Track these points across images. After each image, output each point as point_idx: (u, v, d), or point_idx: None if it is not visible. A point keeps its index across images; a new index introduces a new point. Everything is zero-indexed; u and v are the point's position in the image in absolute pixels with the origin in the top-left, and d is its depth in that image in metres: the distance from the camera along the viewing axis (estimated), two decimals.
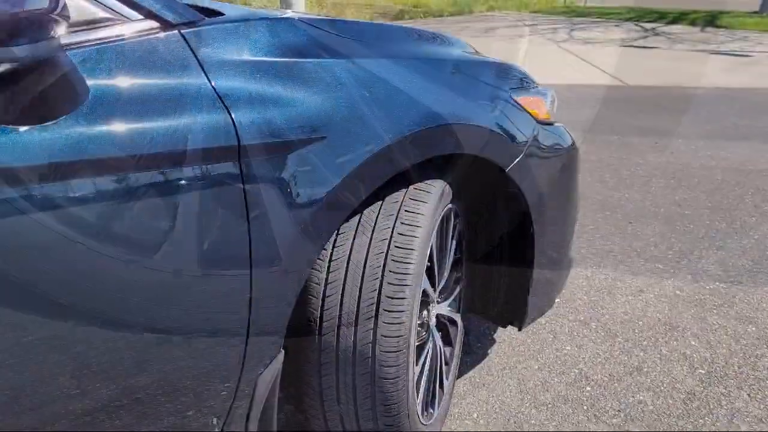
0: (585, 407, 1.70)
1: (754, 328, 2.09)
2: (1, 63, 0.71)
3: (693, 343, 2.01)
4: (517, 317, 1.72)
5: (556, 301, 2.13)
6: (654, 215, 3.05)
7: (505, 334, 2.03)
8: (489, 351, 1.95)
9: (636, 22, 13.03)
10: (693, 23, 12.86)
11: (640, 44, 9.84)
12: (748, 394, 1.76)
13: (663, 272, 2.47)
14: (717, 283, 2.39)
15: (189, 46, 1.00)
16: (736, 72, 7.47)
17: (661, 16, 14.16)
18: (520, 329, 1.72)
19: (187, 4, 1.08)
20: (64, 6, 0.80)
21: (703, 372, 1.86)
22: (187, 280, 0.98)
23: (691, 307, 2.22)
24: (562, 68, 7.17)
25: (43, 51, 0.76)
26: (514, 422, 1.64)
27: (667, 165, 3.86)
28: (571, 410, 1.68)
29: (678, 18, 13.73)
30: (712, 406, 1.71)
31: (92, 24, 0.92)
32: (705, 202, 3.24)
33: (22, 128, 0.80)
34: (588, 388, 1.78)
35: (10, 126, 0.79)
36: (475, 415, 1.66)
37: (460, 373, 1.81)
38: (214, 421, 1.11)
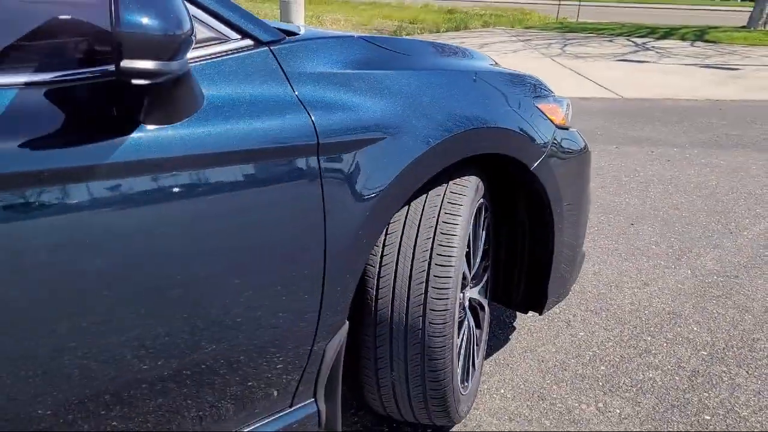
0: (600, 383, 1.88)
1: (750, 316, 2.29)
2: (165, 76, 0.89)
3: (695, 328, 2.20)
4: (538, 304, 1.90)
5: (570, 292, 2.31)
6: (654, 217, 3.25)
7: (523, 323, 2.22)
8: (510, 336, 2.13)
9: (627, 37, 13.35)
10: (683, 38, 13.19)
11: (632, 58, 10.12)
12: (747, 372, 1.95)
13: (665, 268, 2.67)
14: (715, 277, 2.58)
15: (276, 60, 1.19)
16: (726, 85, 7.73)
17: (652, 32, 14.50)
18: (540, 314, 1.90)
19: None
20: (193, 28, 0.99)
21: (705, 353, 2.05)
22: (276, 259, 1.16)
23: (692, 298, 2.41)
24: (558, 81, 7.40)
25: (185, 65, 0.95)
26: (538, 396, 1.82)
27: (664, 172, 4.07)
28: (588, 386, 1.87)
29: (668, 33, 14.07)
30: (714, 382, 1.89)
31: (203, 42, 1.11)
32: (701, 205, 3.45)
33: (155, 127, 0.98)
34: (602, 368, 1.96)
35: (149, 125, 0.98)
36: (502, 391, 1.84)
37: (486, 355, 1.99)
38: (275, 394, 1.28)
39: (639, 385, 1.87)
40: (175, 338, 1.06)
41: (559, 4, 18.09)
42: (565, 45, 11.79)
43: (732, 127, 5.40)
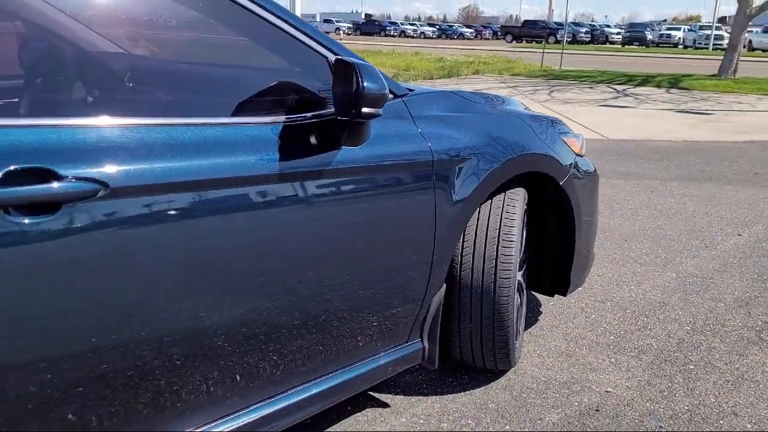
0: (611, 347, 2.50)
1: (722, 304, 2.93)
2: (375, 117, 1.52)
3: (680, 312, 2.83)
4: (562, 289, 2.52)
5: (580, 288, 2.94)
6: (643, 236, 3.92)
7: (547, 310, 2.84)
8: (539, 318, 2.75)
9: (608, 84, 14.30)
10: (659, 85, 14.17)
11: (613, 104, 10.99)
12: (720, 339, 2.58)
13: (654, 272, 3.32)
14: (694, 278, 3.23)
15: (406, 107, 1.84)
16: (700, 127, 8.55)
17: (630, 79, 15.51)
18: (564, 295, 2.52)
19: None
20: None
21: (688, 328, 2.68)
22: (407, 240, 1.79)
23: (677, 292, 3.05)
24: None
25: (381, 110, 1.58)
26: (566, 354, 2.43)
27: (649, 200, 4.76)
28: (602, 349, 2.48)
29: (645, 81, 15.08)
30: (696, 345, 2.52)
31: None
32: (681, 226, 4.12)
33: (348, 147, 1.61)
34: (611, 337, 2.58)
35: (345, 147, 1.61)
36: (539, 352, 2.45)
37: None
38: (399, 332, 1.89)
39: (640, 348, 2.50)
40: (344, 292, 1.68)
41: (543, 52, 19.16)
42: (551, 91, 12.66)
43: (705, 164, 6.15)
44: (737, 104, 11.22)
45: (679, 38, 45.54)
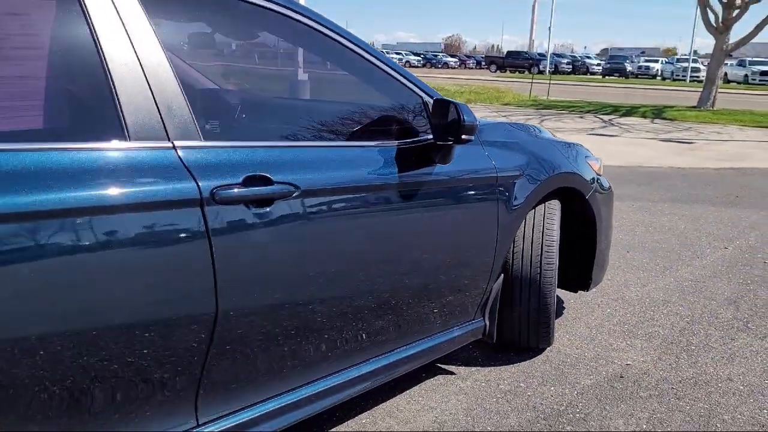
0: (625, 333, 3.02)
1: (715, 302, 3.47)
2: (469, 142, 2.06)
3: (680, 308, 3.37)
4: (585, 285, 3.04)
5: (598, 286, 3.47)
6: (642, 248, 4.47)
7: (568, 305, 3.36)
8: (563, 312, 3.27)
9: (595, 114, 15.06)
10: (644, 116, 14.96)
11: (602, 132, 11.67)
12: (715, 328, 3.12)
13: (655, 277, 3.86)
14: (690, 282, 3.78)
15: (477, 135, 2.38)
16: (684, 155, 9.22)
17: (616, 109, 16.31)
18: (587, 291, 3.04)
19: None
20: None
21: (688, 320, 3.21)
22: (478, 239, 2.32)
23: (676, 293, 3.60)
24: None
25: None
26: (589, 339, 2.95)
27: (644, 219, 5.33)
28: (618, 334, 3.00)
29: (630, 111, 15.87)
30: (695, 333, 3.05)
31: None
32: (675, 241, 4.69)
33: (440, 165, 2.14)
34: (625, 326, 3.11)
35: (438, 164, 2.14)
36: (566, 336, 2.97)
37: None
38: (468, 310, 2.40)
39: (649, 334, 3.02)
40: (435, 275, 2.21)
41: (532, 83, 19.96)
42: (542, 120, 13.35)
43: (691, 188, 6.76)
44: (716, 134, 11.97)
45: (657, 70, 47.09)
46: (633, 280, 3.80)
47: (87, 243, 1.34)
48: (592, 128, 12.28)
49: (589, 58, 58.17)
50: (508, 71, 48.36)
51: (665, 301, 3.47)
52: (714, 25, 16.10)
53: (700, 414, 2.34)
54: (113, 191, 1.39)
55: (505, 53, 57.54)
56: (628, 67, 47.58)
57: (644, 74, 46.66)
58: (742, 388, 2.54)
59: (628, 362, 2.74)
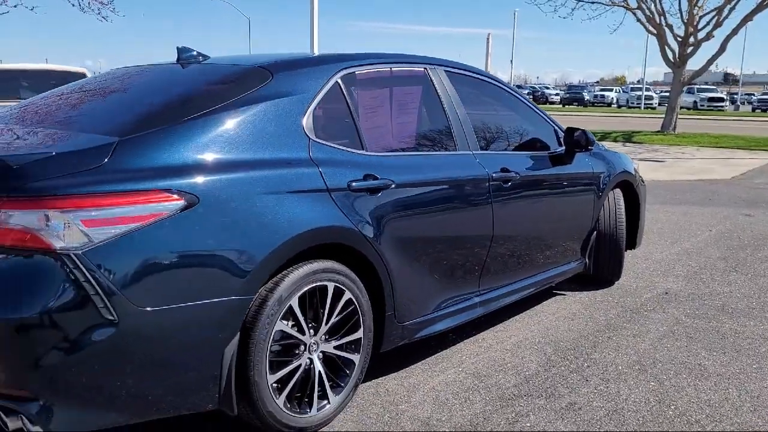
0: (659, 274, 4.69)
1: (711, 259, 5.17)
2: (590, 152, 3.71)
3: (690, 263, 5.06)
4: (633, 245, 4.70)
5: (638, 248, 5.13)
6: (652, 232, 6.18)
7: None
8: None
9: None
10: (615, 140, 16.99)
11: None
12: (716, 271, 4.81)
13: (668, 247, 5.55)
14: (692, 249, 5.49)
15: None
16: (659, 171, 11.10)
17: None
18: (634, 248, 4.69)
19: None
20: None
21: (698, 268, 4.90)
22: (585, 210, 4.00)
23: (684, 255, 5.29)
24: None
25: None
26: (638, 277, 4.61)
27: (647, 215, 7.07)
28: (655, 276, 4.67)
29: (604, 136, 17.93)
30: (705, 272, 4.74)
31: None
32: (673, 227, 6.42)
33: (564, 165, 3.81)
34: (658, 271, 4.78)
35: (563, 165, 3.81)
36: (624, 278, 4.62)
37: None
38: (578, 253, 4.05)
39: (676, 274, 4.70)
40: (564, 231, 3.87)
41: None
42: None
43: (673, 194, 8.58)
44: (681, 154, 13.99)
45: (612, 98, 50.14)
46: (653, 249, 5.50)
47: (457, 200, 2.97)
48: None
49: (547, 88, 61.30)
50: None
51: (678, 259, 5.17)
52: (672, 60, 18.37)
53: (716, 306, 4.01)
54: (453, 174, 3.00)
55: None
56: (586, 96, 50.49)
57: (600, 102, 49.56)
58: (739, 295, 4.23)
59: (668, 287, 4.40)
